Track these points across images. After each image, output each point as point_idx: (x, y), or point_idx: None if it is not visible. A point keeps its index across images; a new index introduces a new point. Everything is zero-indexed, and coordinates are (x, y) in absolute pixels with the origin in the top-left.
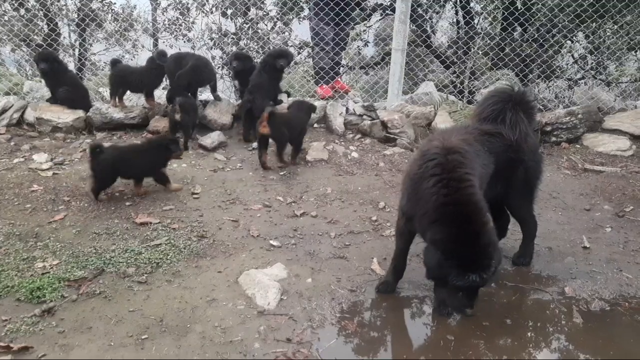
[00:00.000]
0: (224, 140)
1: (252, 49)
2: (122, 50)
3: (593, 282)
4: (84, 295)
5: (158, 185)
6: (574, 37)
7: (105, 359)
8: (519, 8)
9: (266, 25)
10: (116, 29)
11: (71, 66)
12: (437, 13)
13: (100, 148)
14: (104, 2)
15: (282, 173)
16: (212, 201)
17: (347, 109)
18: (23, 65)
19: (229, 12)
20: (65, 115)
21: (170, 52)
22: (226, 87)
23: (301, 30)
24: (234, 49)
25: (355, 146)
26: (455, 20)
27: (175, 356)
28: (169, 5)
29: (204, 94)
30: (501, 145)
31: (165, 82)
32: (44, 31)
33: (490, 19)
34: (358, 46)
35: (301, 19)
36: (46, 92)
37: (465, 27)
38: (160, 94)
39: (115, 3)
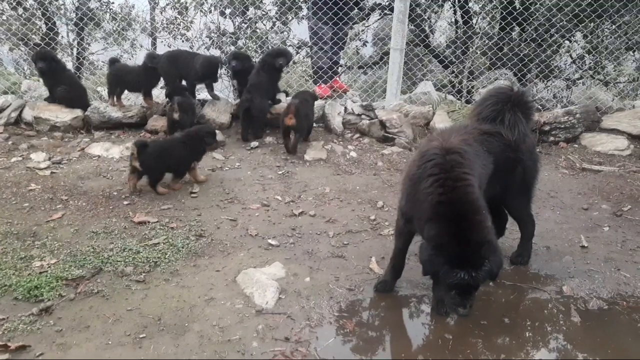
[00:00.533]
0: (222, 140)
1: (250, 48)
2: (121, 49)
3: (591, 281)
4: (81, 294)
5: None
6: (572, 37)
7: (103, 358)
8: (517, 8)
9: (265, 24)
10: (114, 28)
11: (69, 65)
12: (436, 13)
13: (145, 143)
14: (102, 1)
15: (280, 173)
16: (210, 200)
17: (346, 108)
18: (21, 65)
19: (228, 11)
20: (63, 115)
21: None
22: (224, 86)
23: (300, 30)
24: (232, 48)
25: (353, 145)
26: (453, 20)
27: (174, 355)
28: (167, 4)
29: (202, 94)
30: (500, 145)
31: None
32: (42, 30)
33: (488, 18)
34: (357, 46)
35: (300, 19)
36: (44, 91)
37: (463, 27)
38: (159, 93)
39: (113, 2)
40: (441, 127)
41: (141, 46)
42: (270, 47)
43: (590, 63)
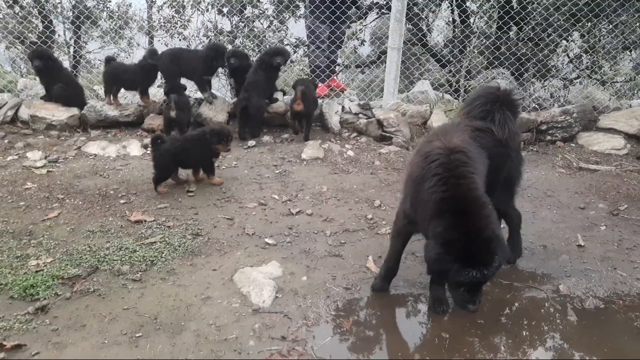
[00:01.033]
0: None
1: (247, 47)
2: (118, 48)
3: (587, 280)
4: (77, 293)
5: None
6: (569, 37)
7: (99, 357)
8: (515, 7)
9: (262, 23)
10: (111, 27)
11: (66, 64)
12: (433, 12)
13: (162, 139)
14: None
15: (277, 172)
16: (207, 199)
17: (343, 107)
18: (17, 63)
19: (225, 10)
20: (59, 113)
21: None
22: (222, 85)
23: (297, 28)
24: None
25: (351, 145)
26: (451, 19)
27: (170, 354)
28: (164, 3)
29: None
30: (491, 141)
31: (161, 79)
32: (39, 29)
33: (486, 18)
34: (354, 45)
35: (297, 18)
36: (40, 90)
37: (461, 26)
38: (155, 92)
39: (110, 1)
40: (436, 126)
41: (138, 45)
42: (267, 46)
43: (587, 62)
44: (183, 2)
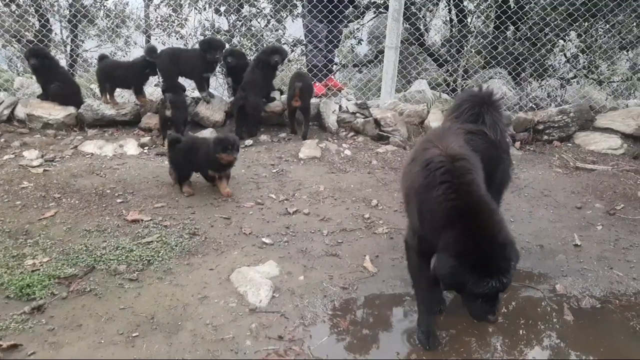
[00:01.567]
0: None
1: (245, 46)
2: (115, 47)
3: (584, 280)
4: (74, 292)
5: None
6: (567, 36)
7: (95, 357)
8: (512, 7)
9: (259, 22)
10: (108, 25)
11: (63, 62)
12: (431, 11)
13: (178, 139)
14: None
15: (274, 171)
16: (204, 199)
17: (340, 106)
18: (14, 62)
19: (222, 9)
20: (56, 112)
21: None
22: (219, 84)
23: (294, 28)
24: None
25: (348, 144)
26: (448, 18)
27: (166, 354)
28: (161, 1)
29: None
30: (484, 143)
31: (158, 78)
32: (35, 27)
33: (483, 17)
34: (351, 44)
35: (294, 17)
36: (37, 89)
37: (458, 26)
38: (152, 91)
39: None
40: (430, 132)
41: (135, 43)
42: (264, 45)
43: (584, 62)
44: (180, 0)
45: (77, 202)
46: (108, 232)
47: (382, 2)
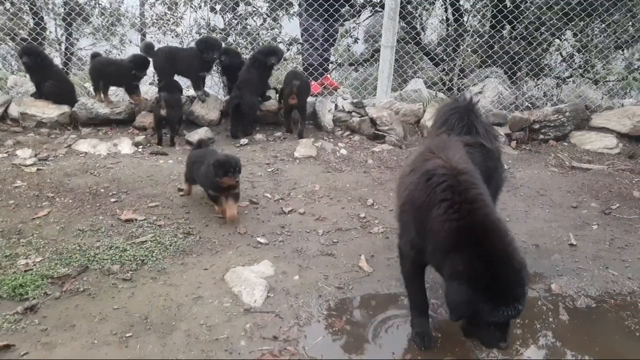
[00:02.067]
0: (211, 137)
1: (240, 45)
2: (110, 45)
3: (579, 279)
4: (67, 292)
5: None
6: (562, 36)
7: (88, 358)
8: (508, 6)
9: (255, 21)
10: (103, 23)
11: (57, 61)
12: (427, 10)
13: (205, 143)
14: None
15: (270, 170)
16: (198, 198)
17: (336, 105)
18: (8, 60)
19: (218, 7)
20: (50, 111)
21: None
22: (214, 83)
23: (290, 27)
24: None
25: (344, 143)
26: (444, 17)
27: (160, 354)
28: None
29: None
30: (481, 156)
31: (154, 77)
32: (30, 25)
33: (479, 16)
34: (347, 43)
35: (290, 16)
36: (30, 87)
37: (454, 25)
38: (147, 90)
39: None
40: (430, 142)
41: (130, 42)
42: (260, 44)
43: (580, 61)
44: None
45: (70, 201)
46: (102, 232)
47: (378, 0)
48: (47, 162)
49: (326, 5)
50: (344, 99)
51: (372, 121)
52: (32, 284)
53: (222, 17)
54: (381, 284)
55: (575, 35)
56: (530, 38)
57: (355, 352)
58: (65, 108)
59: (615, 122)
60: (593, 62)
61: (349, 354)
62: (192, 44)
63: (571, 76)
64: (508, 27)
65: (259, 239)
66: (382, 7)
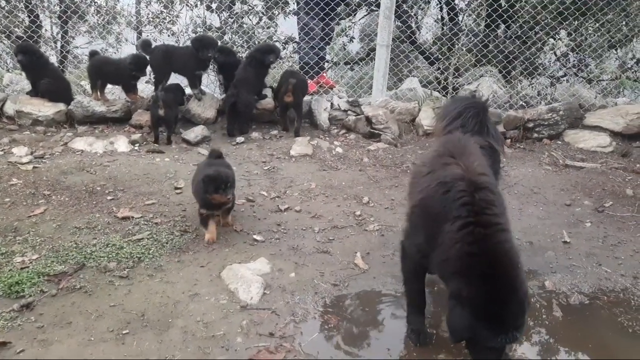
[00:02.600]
0: (207, 135)
1: (236, 43)
2: (105, 43)
3: (573, 276)
4: (63, 290)
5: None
6: (557, 35)
7: (85, 355)
8: (503, 5)
9: (251, 20)
10: (99, 21)
11: (53, 59)
12: (422, 9)
13: (218, 154)
14: None
15: (266, 168)
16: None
17: (332, 104)
18: (3, 58)
19: (214, 5)
20: (45, 109)
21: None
22: (210, 81)
23: (286, 25)
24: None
25: (339, 141)
26: (440, 17)
27: (157, 351)
28: None
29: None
30: (490, 158)
31: (151, 76)
32: (25, 23)
33: (474, 16)
34: (343, 42)
35: (286, 14)
36: (26, 85)
37: (449, 24)
38: (143, 88)
39: None
40: (448, 142)
41: (126, 40)
42: (257, 42)
43: (574, 61)
44: None
45: (67, 199)
46: (98, 230)
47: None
48: (43, 160)
49: (322, 4)
50: (340, 98)
51: (368, 120)
52: (29, 282)
53: (218, 15)
54: (377, 281)
55: (569, 34)
56: (524, 37)
57: (351, 349)
58: (61, 106)
59: (608, 120)
60: (587, 61)
61: (345, 351)
62: (188, 43)
63: (565, 75)
64: (503, 26)
65: (255, 236)
66: (378, 6)
